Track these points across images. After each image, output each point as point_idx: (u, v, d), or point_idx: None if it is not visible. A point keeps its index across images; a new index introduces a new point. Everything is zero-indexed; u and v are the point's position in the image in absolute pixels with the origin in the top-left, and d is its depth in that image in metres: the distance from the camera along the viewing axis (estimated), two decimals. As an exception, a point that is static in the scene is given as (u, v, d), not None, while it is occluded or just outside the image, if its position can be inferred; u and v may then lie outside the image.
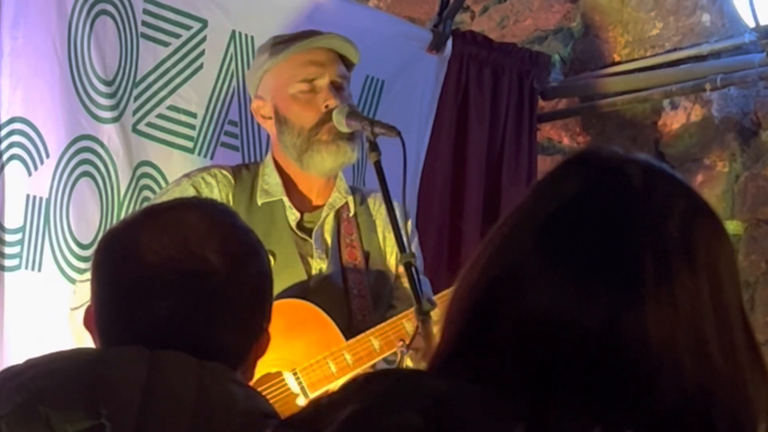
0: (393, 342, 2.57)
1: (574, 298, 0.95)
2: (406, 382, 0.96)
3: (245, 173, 2.76)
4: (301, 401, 2.55)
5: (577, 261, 0.97)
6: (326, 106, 2.67)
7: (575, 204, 1.00)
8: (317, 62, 2.70)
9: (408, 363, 2.52)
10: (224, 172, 2.75)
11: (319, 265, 2.69)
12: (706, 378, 0.95)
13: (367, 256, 2.76)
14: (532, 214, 1.01)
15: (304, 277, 2.67)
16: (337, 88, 2.70)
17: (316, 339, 2.58)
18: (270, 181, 2.73)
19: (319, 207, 2.75)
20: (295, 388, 2.55)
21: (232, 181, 2.73)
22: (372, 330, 2.58)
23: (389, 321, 2.60)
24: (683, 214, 1.00)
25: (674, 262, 0.97)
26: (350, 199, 2.77)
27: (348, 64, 2.78)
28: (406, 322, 2.58)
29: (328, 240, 2.73)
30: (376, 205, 2.81)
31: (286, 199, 2.71)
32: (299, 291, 2.63)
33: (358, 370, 2.56)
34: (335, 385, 2.55)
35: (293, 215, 2.71)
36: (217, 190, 2.69)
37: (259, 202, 2.71)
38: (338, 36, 2.75)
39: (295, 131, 2.69)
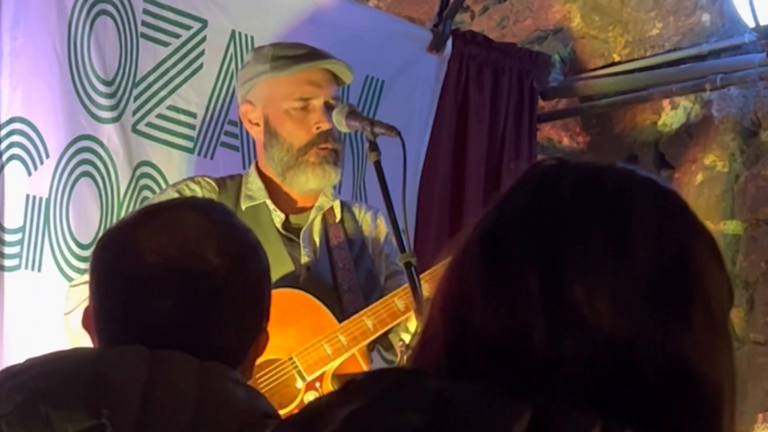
0: (386, 320, 2.61)
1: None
2: (406, 382, 0.96)
3: (229, 183, 2.80)
4: (299, 384, 2.58)
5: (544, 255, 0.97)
6: (317, 128, 2.71)
7: (517, 218, 1.00)
8: (314, 82, 2.74)
9: None
10: (208, 179, 2.78)
11: (308, 264, 2.72)
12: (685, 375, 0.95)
13: (355, 257, 2.78)
14: (480, 226, 1.02)
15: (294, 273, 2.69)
16: (329, 109, 2.73)
17: (310, 324, 2.61)
18: (252, 187, 2.76)
19: (306, 209, 2.78)
20: (291, 373, 2.58)
21: (216, 188, 2.76)
22: (364, 310, 2.62)
23: (381, 300, 2.63)
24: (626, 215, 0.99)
25: (637, 250, 0.97)
26: (336, 204, 2.80)
27: (340, 83, 2.82)
28: (398, 300, 2.61)
29: (317, 240, 2.75)
30: (362, 213, 2.85)
31: (269, 202, 2.74)
32: (289, 284, 2.65)
33: (353, 350, 2.60)
34: (331, 367, 2.60)
35: (278, 216, 2.73)
36: (201, 195, 2.71)
37: (243, 206, 2.73)
38: (340, 62, 2.77)
39: (284, 147, 2.72)
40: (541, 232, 0.98)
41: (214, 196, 2.72)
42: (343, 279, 2.73)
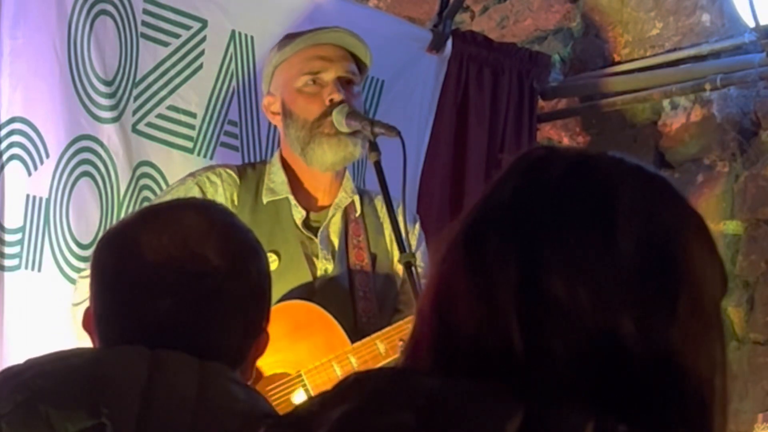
0: (398, 346, 2.53)
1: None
2: (399, 381, 0.95)
3: (250, 172, 2.74)
4: None
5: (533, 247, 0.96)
6: (331, 100, 2.65)
7: (503, 209, 0.98)
8: (324, 57, 2.70)
9: None
10: (229, 171, 2.73)
11: (325, 266, 2.67)
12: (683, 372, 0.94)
13: (373, 258, 2.73)
14: (466, 220, 1.01)
15: (310, 278, 2.64)
16: (344, 84, 2.68)
17: (322, 341, 2.56)
18: (276, 179, 2.72)
19: (326, 207, 2.73)
20: (299, 389, 2.54)
21: (237, 181, 2.71)
22: (377, 333, 2.56)
23: (395, 325, 2.58)
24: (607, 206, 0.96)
25: (623, 240, 0.95)
26: (356, 198, 2.75)
27: (360, 65, 2.77)
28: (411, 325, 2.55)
29: (335, 241, 2.70)
30: (383, 208, 2.74)
31: (291, 198, 2.69)
32: (304, 292, 2.61)
33: None
34: None
35: (299, 213, 2.68)
36: (222, 189, 2.68)
37: (265, 200, 2.69)
38: (345, 30, 2.74)
39: (299, 124, 2.68)
40: (522, 224, 0.96)
41: (234, 190, 2.69)
42: (360, 284, 2.67)
